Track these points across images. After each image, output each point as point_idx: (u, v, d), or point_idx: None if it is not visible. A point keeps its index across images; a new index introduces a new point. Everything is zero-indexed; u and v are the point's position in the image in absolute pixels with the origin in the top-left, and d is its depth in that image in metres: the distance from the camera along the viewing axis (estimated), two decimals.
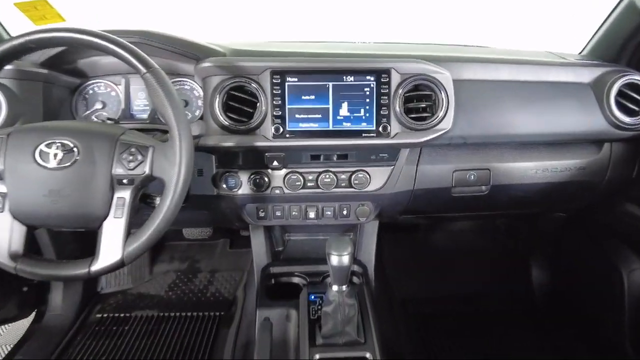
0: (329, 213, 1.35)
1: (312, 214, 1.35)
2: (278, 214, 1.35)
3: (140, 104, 1.35)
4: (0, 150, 0.94)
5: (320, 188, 1.27)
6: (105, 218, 0.98)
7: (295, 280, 1.49)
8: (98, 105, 1.34)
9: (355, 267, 1.51)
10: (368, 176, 1.28)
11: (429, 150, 1.34)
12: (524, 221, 2.10)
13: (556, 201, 1.58)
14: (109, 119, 1.33)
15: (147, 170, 0.96)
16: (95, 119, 1.36)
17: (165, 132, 1.09)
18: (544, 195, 1.46)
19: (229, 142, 1.17)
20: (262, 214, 1.36)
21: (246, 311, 1.81)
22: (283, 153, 1.23)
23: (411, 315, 1.92)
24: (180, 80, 1.31)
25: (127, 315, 1.91)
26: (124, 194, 0.98)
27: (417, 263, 2.20)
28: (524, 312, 1.98)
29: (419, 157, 1.33)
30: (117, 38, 0.99)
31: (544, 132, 1.32)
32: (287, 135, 1.18)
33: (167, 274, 2.19)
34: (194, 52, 1.22)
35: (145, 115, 1.33)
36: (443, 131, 1.21)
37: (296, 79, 1.16)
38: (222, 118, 1.14)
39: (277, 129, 1.17)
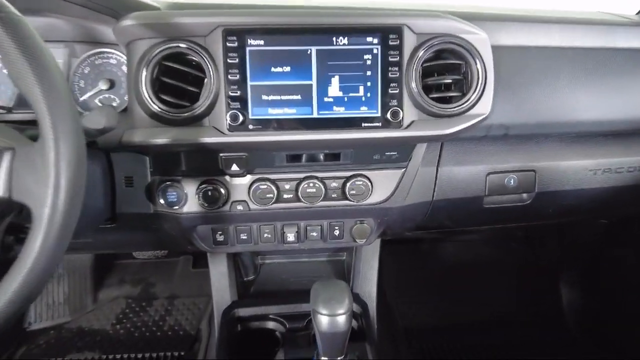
0: (314, 234, 1.12)
1: (291, 236, 1.11)
2: (243, 237, 1.10)
3: None
4: None
5: (302, 201, 1.03)
6: None
7: (271, 325, 1.22)
8: None
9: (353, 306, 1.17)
10: (369, 183, 1.04)
11: (454, 146, 1.10)
12: (552, 228, 1.90)
13: (613, 207, 1.33)
14: None
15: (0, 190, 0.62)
16: None
17: None
18: (602, 202, 1.22)
19: (163, 137, 0.89)
20: (220, 238, 1.10)
21: (212, 350, 1.53)
22: (245, 153, 0.97)
23: (417, 350, 1.70)
24: (102, 52, 1.02)
25: (61, 359, 1.63)
26: None
27: (422, 282, 1.99)
28: (553, 339, 1.79)
29: (440, 155, 1.09)
30: None
31: (612, 119, 1.08)
32: (251, 127, 0.91)
33: (115, 302, 1.90)
34: (113, 7, 0.93)
35: None
36: (479, 118, 0.95)
37: (262, 42, 0.88)
38: (151, 102, 0.88)
39: (234, 117, 0.90)
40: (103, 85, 1.02)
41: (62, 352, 1.67)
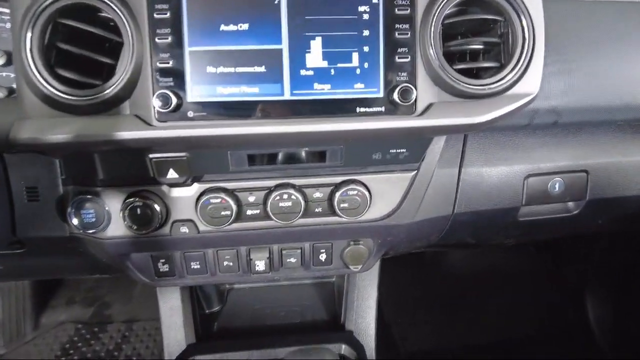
0: (292, 260, 0.94)
1: (260, 264, 0.93)
2: (195, 266, 0.92)
3: None
4: None
5: (273, 219, 0.85)
6: None
7: None
8: None
9: (344, 349, 1.03)
10: (366, 193, 0.86)
11: (482, 139, 0.94)
12: (578, 237, 1.76)
13: None
14: None
15: None
16: None
17: None
18: None
19: (61, 132, 0.71)
20: (164, 268, 0.92)
21: None
22: (185, 153, 0.77)
23: None
24: None
25: None
26: None
27: (427, 300, 1.87)
28: None
29: (464, 151, 0.94)
30: None
31: None
32: (190, 114, 0.72)
33: (60, 328, 1.74)
34: None
35: None
36: (525, 100, 0.76)
37: None
38: (42, 80, 0.69)
39: (165, 100, 0.70)
40: None
41: None
